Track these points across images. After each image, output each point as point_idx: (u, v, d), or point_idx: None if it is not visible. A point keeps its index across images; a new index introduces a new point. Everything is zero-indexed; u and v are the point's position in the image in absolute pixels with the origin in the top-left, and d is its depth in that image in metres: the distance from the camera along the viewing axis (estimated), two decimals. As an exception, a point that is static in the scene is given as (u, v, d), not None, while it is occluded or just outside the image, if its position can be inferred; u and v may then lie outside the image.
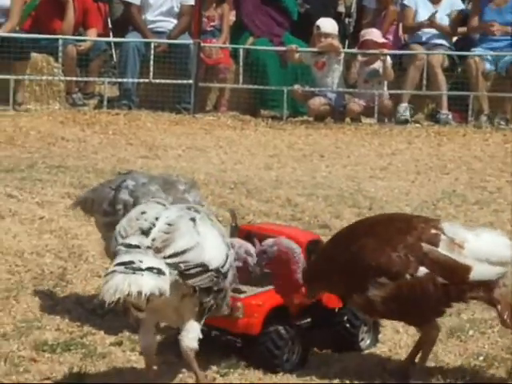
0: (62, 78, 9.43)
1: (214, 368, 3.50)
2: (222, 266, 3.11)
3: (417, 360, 3.50)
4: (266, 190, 6.35)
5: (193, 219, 3.11)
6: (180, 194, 3.77)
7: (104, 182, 4.23)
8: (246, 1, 10.14)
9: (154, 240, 3.01)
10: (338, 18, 10.35)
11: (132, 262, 2.93)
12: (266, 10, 10.16)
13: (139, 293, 2.88)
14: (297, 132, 9.10)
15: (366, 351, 3.75)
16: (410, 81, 9.80)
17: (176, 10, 9.82)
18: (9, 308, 4.03)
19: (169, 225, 3.06)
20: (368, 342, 3.78)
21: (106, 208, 3.88)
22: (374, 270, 3.32)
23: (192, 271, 3.02)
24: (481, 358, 3.72)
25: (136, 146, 7.98)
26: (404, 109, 9.72)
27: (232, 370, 3.49)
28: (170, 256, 2.99)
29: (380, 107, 9.62)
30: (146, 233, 3.04)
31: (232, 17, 10.39)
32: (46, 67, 9.44)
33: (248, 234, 3.68)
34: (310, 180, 6.92)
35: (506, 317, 3.35)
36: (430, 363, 3.65)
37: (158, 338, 3.51)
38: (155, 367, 3.23)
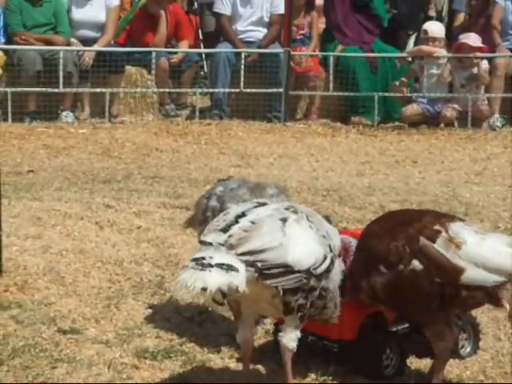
0: (155, 89, 9.62)
1: (313, 376, 3.50)
2: (315, 268, 3.07)
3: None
4: (358, 197, 6.32)
5: (284, 219, 3.09)
6: (268, 197, 3.79)
7: (203, 193, 4.30)
8: (335, 9, 10.13)
9: (230, 236, 3.00)
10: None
11: (203, 258, 2.93)
12: (356, 18, 10.12)
13: (203, 289, 2.85)
14: (388, 138, 9.03)
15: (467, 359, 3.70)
16: (494, 91, 9.59)
17: (266, 19, 9.90)
18: (110, 316, 4.12)
19: (252, 223, 3.04)
20: (468, 349, 3.71)
21: (200, 217, 3.94)
22: (374, 256, 3.29)
23: (272, 271, 2.99)
24: None
25: (228, 155, 8.06)
26: (495, 120, 9.52)
27: (331, 377, 3.48)
28: (243, 253, 2.96)
29: (476, 112, 9.45)
30: (223, 230, 3.03)
31: (321, 24, 10.41)
32: (139, 80, 9.65)
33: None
34: (403, 186, 6.85)
35: None
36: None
37: (259, 344, 3.54)
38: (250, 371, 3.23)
